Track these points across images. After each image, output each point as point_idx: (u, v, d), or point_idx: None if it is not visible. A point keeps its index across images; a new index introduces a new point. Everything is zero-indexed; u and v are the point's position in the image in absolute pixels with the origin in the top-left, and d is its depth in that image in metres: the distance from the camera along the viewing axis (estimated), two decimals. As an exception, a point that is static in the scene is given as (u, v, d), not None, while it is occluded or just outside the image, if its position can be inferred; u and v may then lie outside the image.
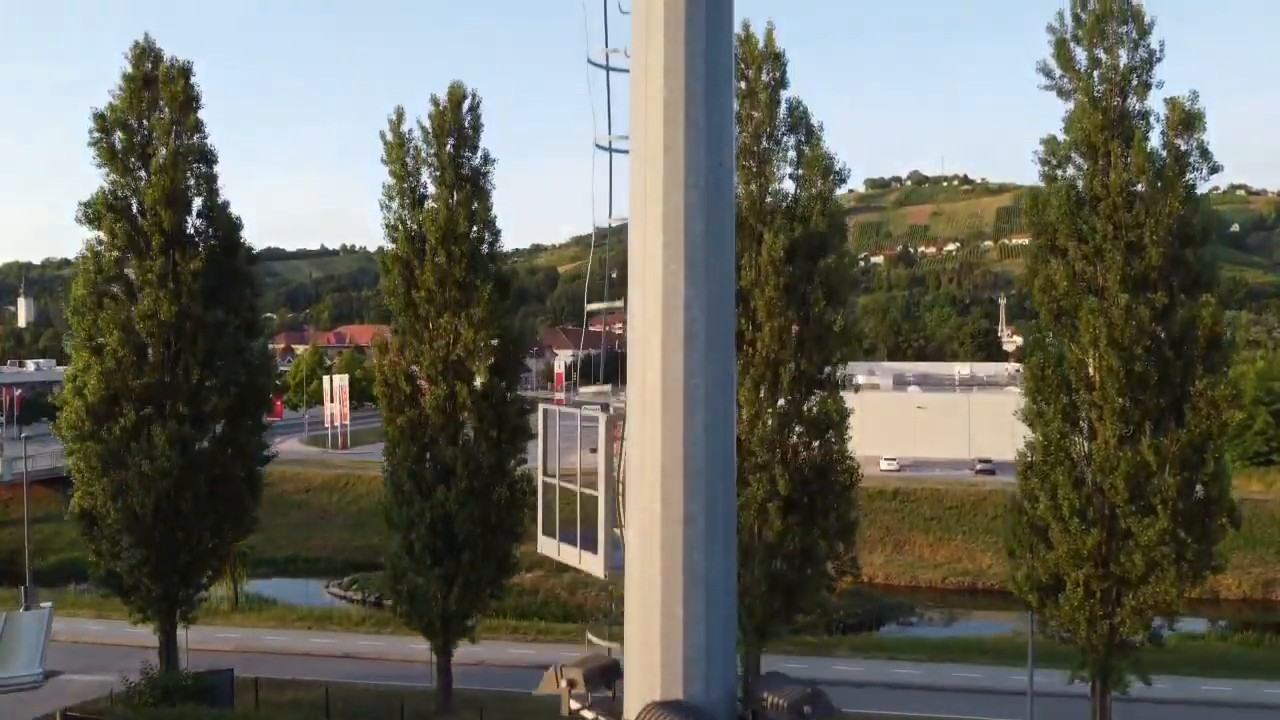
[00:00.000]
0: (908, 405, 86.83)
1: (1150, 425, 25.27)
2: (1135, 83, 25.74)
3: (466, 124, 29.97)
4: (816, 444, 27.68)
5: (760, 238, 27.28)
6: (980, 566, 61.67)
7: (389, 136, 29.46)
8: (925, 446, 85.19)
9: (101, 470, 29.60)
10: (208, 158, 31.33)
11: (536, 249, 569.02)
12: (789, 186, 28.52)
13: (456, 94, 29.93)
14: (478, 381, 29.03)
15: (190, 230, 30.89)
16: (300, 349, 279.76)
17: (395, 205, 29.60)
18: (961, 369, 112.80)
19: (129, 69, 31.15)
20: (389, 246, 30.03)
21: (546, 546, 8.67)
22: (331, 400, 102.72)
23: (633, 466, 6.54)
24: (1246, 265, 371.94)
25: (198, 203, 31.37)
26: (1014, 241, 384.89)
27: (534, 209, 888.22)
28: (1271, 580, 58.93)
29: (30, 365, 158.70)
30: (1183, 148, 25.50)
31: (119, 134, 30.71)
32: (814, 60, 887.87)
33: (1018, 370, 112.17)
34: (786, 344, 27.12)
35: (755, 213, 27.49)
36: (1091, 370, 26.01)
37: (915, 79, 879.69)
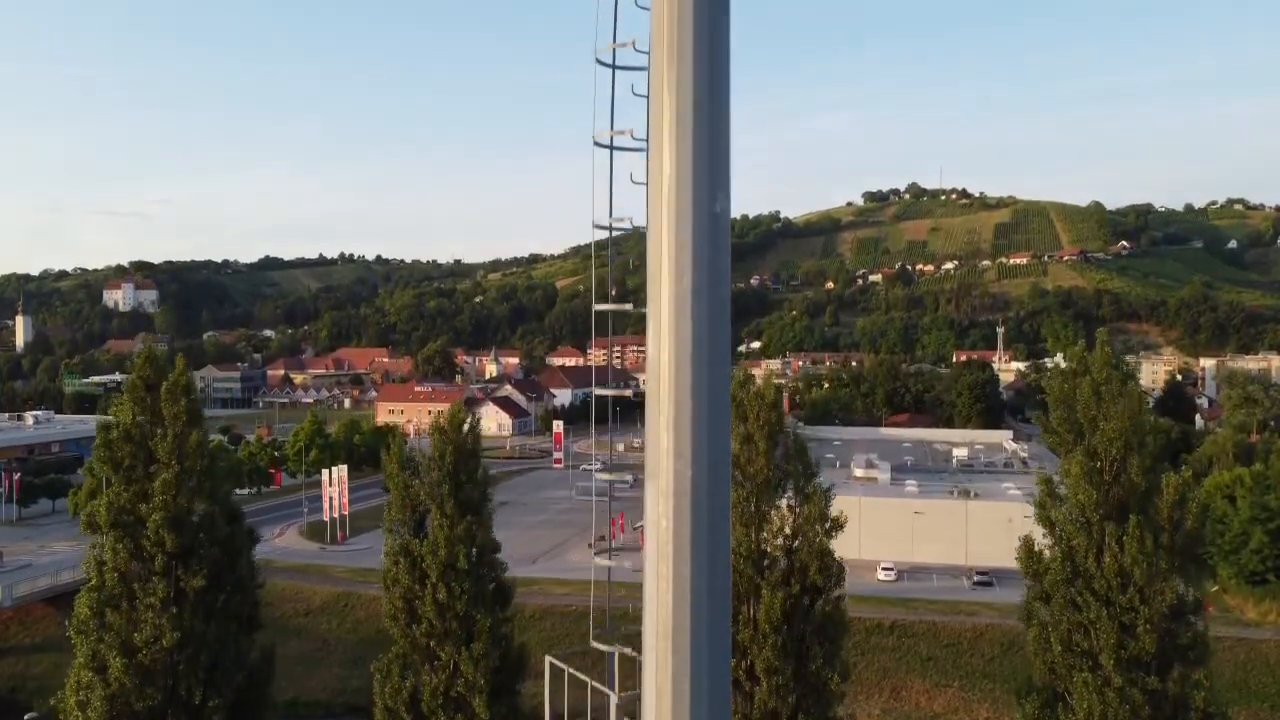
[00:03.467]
0: (905, 510, 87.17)
1: (1144, 804, 25.61)
2: (1131, 461, 26.03)
3: (467, 443, 30.25)
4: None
5: (758, 590, 27.51)
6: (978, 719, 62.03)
7: (389, 467, 29.75)
8: (923, 552, 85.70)
9: (105, 791, 29.83)
10: (212, 471, 31.59)
11: (535, 259, 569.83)
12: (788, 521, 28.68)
13: (456, 417, 30.23)
14: (478, 710, 29.26)
15: (193, 540, 31.07)
16: (298, 378, 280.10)
17: (397, 530, 29.89)
18: (959, 450, 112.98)
19: (133, 376, 31.47)
20: (392, 568, 30.25)
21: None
22: (331, 484, 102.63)
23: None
24: (1244, 285, 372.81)
25: (200, 507, 31.57)
26: (1012, 261, 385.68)
27: (532, 217, 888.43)
28: (1268, 744, 59.19)
29: (29, 419, 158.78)
30: (1179, 529, 25.79)
31: (126, 446, 30.98)
32: (816, 69, 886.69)
33: (1013, 457, 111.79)
34: (785, 698, 27.37)
35: (753, 564, 27.73)
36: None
37: (916, 89, 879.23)
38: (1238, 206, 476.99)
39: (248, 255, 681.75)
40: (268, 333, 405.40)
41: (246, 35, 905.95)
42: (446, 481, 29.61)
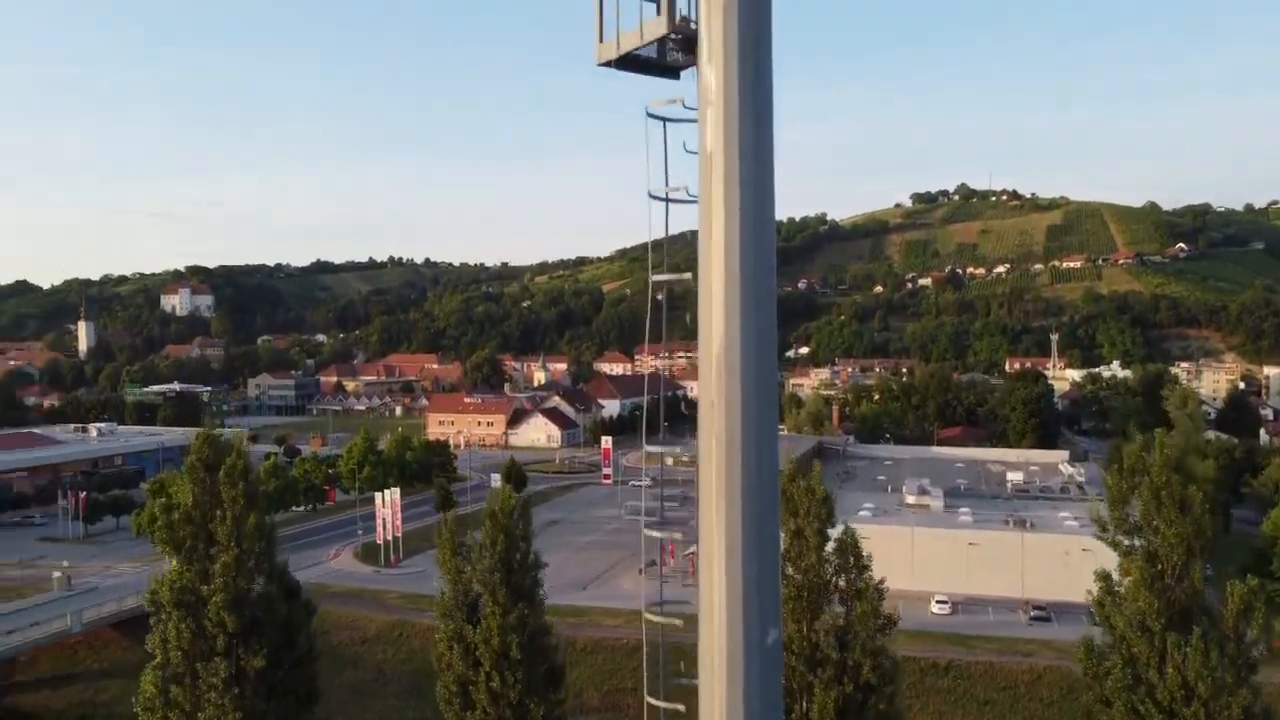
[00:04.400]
0: (959, 542, 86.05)
1: None
2: (1194, 567, 25.49)
3: (518, 530, 30.54)
4: None
5: (810, 688, 27.39)
6: (1035, 770, 61.07)
7: (442, 553, 30.14)
8: (978, 584, 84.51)
9: None
10: (271, 553, 32.25)
11: (581, 262, 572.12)
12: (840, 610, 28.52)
13: (507, 503, 30.56)
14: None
15: (253, 620, 31.73)
16: (350, 385, 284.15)
17: (451, 615, 30.25)
18: (1014, 473, 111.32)
19: (193, 457, 32.23)
20: (445, 654, 30.62)
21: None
22: (384, 506, 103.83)
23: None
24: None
25: (259, 587, 32.22)
26: (1065, 265, 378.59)
27: (580, 219, 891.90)
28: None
29: (93, 431, 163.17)
30: (1244, 639, 25.20)
31: (187, 528, 31.75)
32: (867, 68, 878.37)
33: (1069, 481, 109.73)
34: (839, 797, 27.21)
35: (806, 660, 27.60)
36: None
37: (966, 87, 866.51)
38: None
39: (299, 258, 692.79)
40: (320, 337, 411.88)
41: (300, 36, 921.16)
42: (498, 569, 29.90)
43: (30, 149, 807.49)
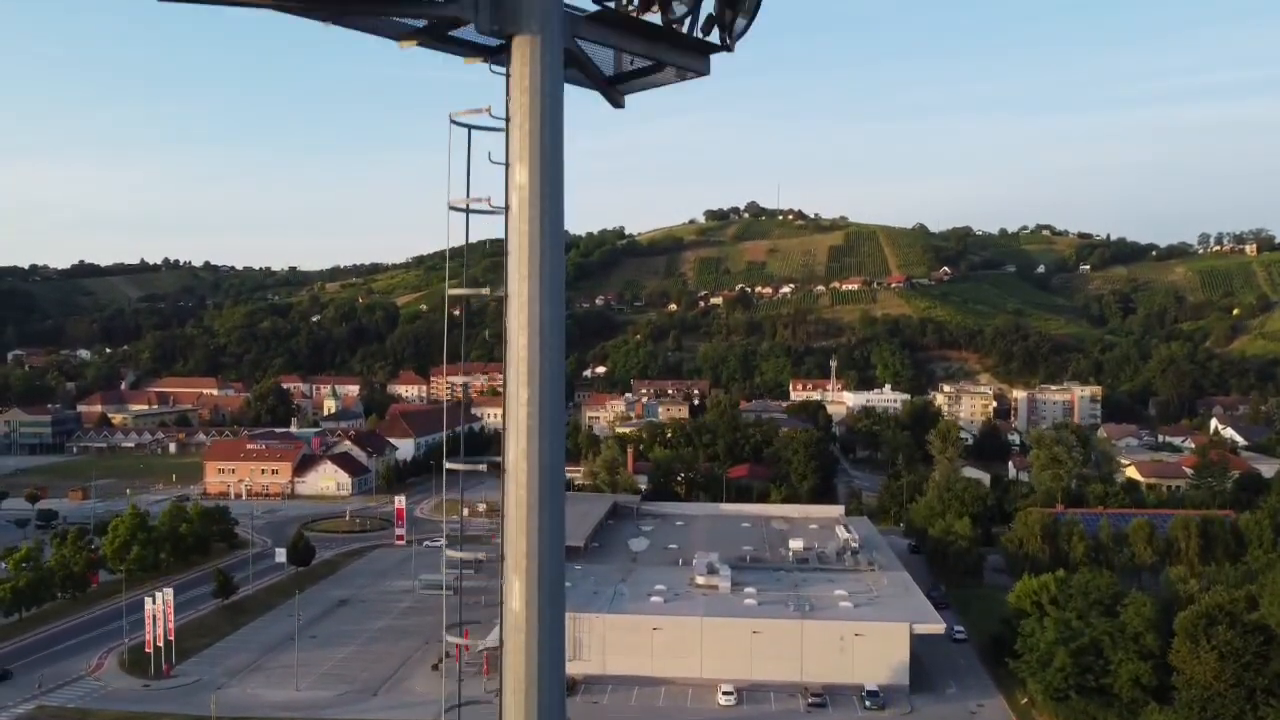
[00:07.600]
0: (744, 630, 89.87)
1: None
2: None
3: None
4: None
5: None
6: None
7: None
8: (761, 670, 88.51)
9: None
10: None
11: (375, 269, 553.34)
12: None
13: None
14: None
15: None
16: (116, 418, 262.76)
17: None
18: (795, 540, 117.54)
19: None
20: None
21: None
22: (155, 604, 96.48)
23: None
24: (1051, 310, 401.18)
25: None
26: (845, 287, 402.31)
27: (374, 221, 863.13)
28: None
29: None
30: None
31: None
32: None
33: (845, 546, 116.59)
34: None
35: None
36: None
37: (758, 101, 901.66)
38: (1045, 232, 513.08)
39: (59, 259, 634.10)
40: (83, 353, 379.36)
41: (62, 12, 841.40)
42: None
43: None
